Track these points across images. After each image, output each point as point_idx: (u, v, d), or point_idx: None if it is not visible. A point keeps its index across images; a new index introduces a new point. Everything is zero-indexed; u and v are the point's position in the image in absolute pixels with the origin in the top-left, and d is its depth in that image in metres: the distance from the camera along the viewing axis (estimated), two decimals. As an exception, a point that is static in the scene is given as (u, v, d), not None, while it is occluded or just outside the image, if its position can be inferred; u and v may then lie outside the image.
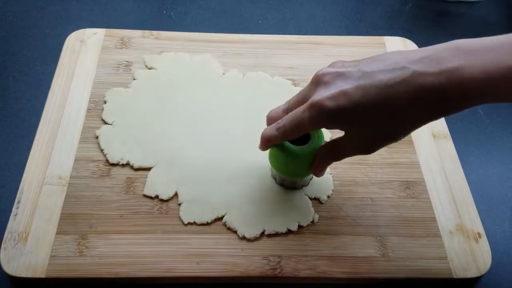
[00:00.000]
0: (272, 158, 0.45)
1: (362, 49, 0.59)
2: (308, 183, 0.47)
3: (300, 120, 0.38)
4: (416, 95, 0.34)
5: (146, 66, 0.56)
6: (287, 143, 0.43)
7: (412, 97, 0.34)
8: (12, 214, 0.44)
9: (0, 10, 0.64)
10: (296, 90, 0.55)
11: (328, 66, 0.39)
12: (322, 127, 0.40)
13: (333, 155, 0.42)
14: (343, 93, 0.36)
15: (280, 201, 0.45)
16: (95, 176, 0.46)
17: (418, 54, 0.35)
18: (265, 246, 0.43)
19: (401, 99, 0.35)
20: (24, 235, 0.42)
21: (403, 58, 0.36)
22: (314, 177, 0.47)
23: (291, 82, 0.56)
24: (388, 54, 0.37)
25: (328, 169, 0.48)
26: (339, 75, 0.37)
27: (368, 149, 0.39)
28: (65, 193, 0.45)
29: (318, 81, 0.38)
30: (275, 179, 0.47)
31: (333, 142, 0.41)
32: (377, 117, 0.36)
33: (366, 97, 0.35)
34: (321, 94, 0.37)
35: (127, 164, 0.47)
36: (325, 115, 0.36)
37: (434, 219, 0.45)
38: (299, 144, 0.43)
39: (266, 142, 0.42)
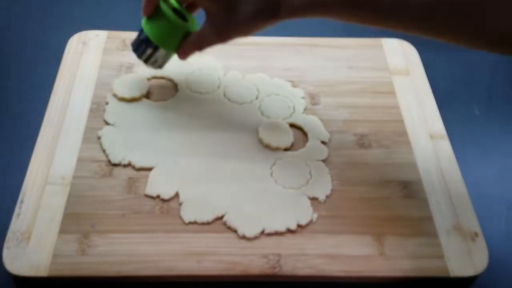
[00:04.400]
0: (149, 24, 0.48)
1: (360, 51, 0.60)
2: (157, 65, 0.51)
3: None
4: None
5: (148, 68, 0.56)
6: (171, 12, 0.48)
7: None
8: (15, 214, 0.44)
9: (2, 12, 0.64)
10: (296, 91, 0.56)
11: None
12: None
13: (196, 38, 0.47)
14: None
15: (280, 201, 0.46)
16: (97, 176, 0.47)
17: None
18: (264, 245, 0.43)
19: None
20: (27, 234, 0.43)
21: None
22: (313, 178, 0.48)
23: (290, 83, 0.56)
24: None
25: (326, 169, 0.49)
26: None
27: (220, 34, 0.45)
28: (67, 193, 0.46)
29: None
30: (145, 59, 0.51)
31: (199, 30, 0.47)
32: None
33: None
34: None
35: (129, 165, 0.48)
36: None
37: (431, 219, 0.46)
38: None
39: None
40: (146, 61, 0.51)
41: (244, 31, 0.45)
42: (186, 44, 0.48)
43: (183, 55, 0.49)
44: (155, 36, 0.48)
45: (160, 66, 0.51)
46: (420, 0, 0.37)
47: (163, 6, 0.47)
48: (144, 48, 0.50)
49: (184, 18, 0.49)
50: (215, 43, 0.47)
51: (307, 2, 0.41)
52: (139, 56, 0.51)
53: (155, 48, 0.49)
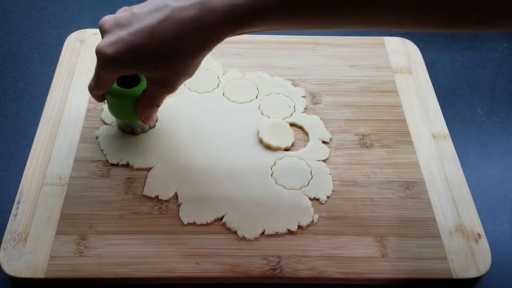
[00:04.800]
0: (107, 102, 0.47)
1: (362, 50, 0.60)
2: (147, 129, 0.50)
3: (95, 71, 0.42)
4: (176, 30, 0.37)
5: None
6: (115, 86, 0.45)
7: (174, 32, 0.37)
8: (12, 215, 0.44)
9: (0, 10, 0.64)
10: (296, 90, 0.55)
11: (114, 14, 0.42)
12: (115, 73, 0.42)
13: (147, 100, 0.44)
14: (120, 38, 0.39)
15: (280, 202, 0.46)
16: (95, 176, 0.47)
17: None
18: (264, 246, 0.43)
19: (165, 36, 0.38)
20: (24, 235, 0.42)
21: None
22: (314, 179, 0.47)
23: (290, 82, 0.56)
24: None
25: (327, 169, 0.48)
26: (117, 22, 0.40)
27: (169, 88, 0.42)
28: (64, 194, 0.45)
29: (100, 30, 0.41)
30: (120, 129, 0.50)
31: (145, 89, 0.44)
32: (155, 56, 0.39)
33: (138, 40, 0.38)
34: (102, 42, 0.40)
35: (127, 165, 0.47)
36: (108, 60, 0.39)
37: (433, 220, 0.45)
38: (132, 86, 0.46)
39: (92, 96, 0.46)
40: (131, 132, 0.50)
41: (184, 69, 0.40)
42: (140, 108, 0.45)
43: (144, 118, 0.46)
44: (115, 114, 0.48)
45: (146, 129, 0.50)
46: None
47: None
48: (130, 129, 0.49)
49: (136, 79, 0.46)
50: (164, 95, 0.44)
51: (247, 10, 0.36)
52: (134, 133, 0.50)
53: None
